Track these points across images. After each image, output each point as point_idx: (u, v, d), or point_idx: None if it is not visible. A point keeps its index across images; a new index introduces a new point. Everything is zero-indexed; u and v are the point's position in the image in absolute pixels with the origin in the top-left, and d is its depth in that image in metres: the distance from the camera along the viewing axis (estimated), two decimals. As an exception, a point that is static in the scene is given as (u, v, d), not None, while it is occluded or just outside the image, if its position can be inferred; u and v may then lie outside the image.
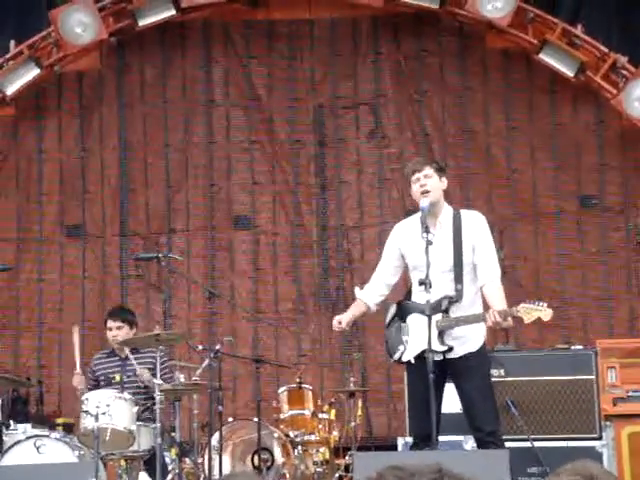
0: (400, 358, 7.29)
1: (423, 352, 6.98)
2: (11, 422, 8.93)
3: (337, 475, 9.66)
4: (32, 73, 12.05)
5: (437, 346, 6.99)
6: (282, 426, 9.84)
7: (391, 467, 1.89)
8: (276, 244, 12.47)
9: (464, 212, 7.43)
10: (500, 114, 12.34)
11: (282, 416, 10.02)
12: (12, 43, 12.05)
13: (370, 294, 7.57)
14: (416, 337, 7.13)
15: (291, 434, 9.71)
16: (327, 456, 9.85)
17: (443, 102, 12.42)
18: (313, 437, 9.86)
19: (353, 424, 10.19)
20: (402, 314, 7.34)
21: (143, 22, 12.03)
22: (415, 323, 7.18)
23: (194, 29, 12.58)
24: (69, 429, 9.35)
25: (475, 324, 7.20)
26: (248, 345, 11.79)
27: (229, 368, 10.63)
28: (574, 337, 10.94)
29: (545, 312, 6.95)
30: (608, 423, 9.54)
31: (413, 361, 7.16)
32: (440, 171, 7.37)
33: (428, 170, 7.27)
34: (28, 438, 8.38)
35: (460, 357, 7.17)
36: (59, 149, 12.63)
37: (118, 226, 12.51)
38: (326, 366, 12.05)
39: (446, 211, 7.34)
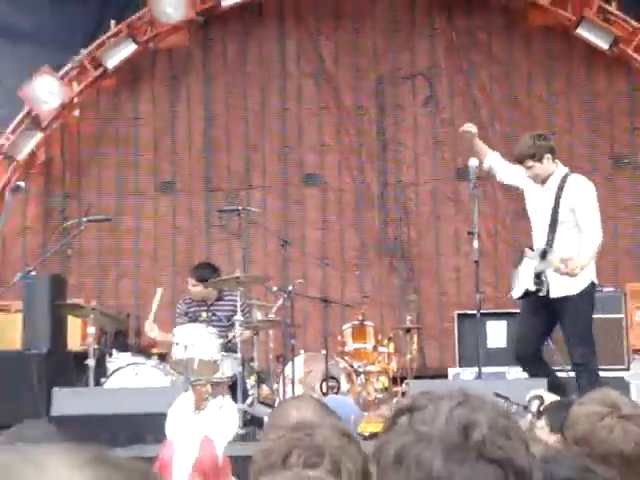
0: (512, 296, 7.76)
1: (526, 291, 7.41)
2: (114, 351, 9.18)
3: (395, 400, 9.61)
4: (129, 49, 12.25)
5: (531, 286, 7.34)
6: (347, 358, 10.01)
7: (420, 393, 1.83)
8: (342, 199, 12.54)
9: (572, 176, 7.53)
10: (541, 83, 12.36)
11: (347, 349, 10.20)
12: (112, 23, 12.23)
13: (498, 156, 8.00)
14: (522, 278, 7.45)
15: (355, 365, 9.87)
16: (386, 384, 10.00)
17: (490, 73, 12.41)
18: (374, 367, 10.01)
19: (409, 356, 10.32)
20: (520, 259, 7.63)
21: (226, 2, 12.21)
22: (523, 267, 7.48)
23: (270, 8, 12.67)
24: (163, 358, 9.33)
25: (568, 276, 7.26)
26: (317, 287, 11.79)
27: (300, 307, 10.65)
28: (606, 281, 10.61)
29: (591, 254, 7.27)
30: (636, 356, 9.91)
31: (518, 297, 7.64)
32: (538, 157, 7.39)
33: (527, 163, 7.42)
34: (128, 365, 8.74)
35: (560, 298, 7.35)
36: (153, 115, 12.78)
37: (203, 182, 12.66)
38: (385, 306, 12.05)
39: (556, 175, 7.48)
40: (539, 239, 7.48)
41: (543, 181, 7.49)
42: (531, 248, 7.60)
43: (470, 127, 8.12)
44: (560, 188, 7.39)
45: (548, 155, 7.41)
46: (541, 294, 7.34)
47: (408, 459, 1.69)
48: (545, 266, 7.28)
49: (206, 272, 9.38)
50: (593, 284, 7.46)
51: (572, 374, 7.76)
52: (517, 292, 7.55)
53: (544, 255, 7.30)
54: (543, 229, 7.46)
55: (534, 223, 7.64)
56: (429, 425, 1.71)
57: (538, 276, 7.30)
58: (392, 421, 1.79)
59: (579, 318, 7.46)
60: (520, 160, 7.51)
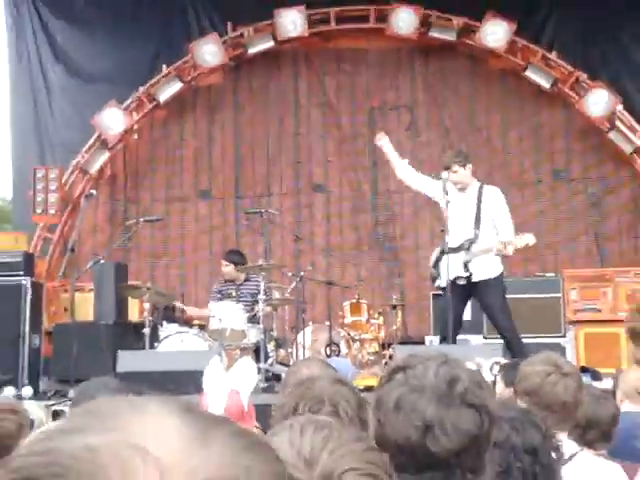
0: (439, 285, 7.45)
1: (454, 279, 7.13)
2: (164, 323, 9.16)
3: (384, 362, 9.51)
4: (177, 86, 12.36)
5: (462, 272, 7.12)
6: (346, 328, 9.94)
7: (409, 355, 1.84)
8: (342, 204, 12.51)
9: (487, 187, 7.43)
10: (498, 114, 12.31)
11: (346, 321, 10.11)
12: (164, 67, 12.35)
13: (406, 167, 7.75)
14: (446, 270, 7.18)
15: (352, 333, 9.82)
16: (377, 349, 9.93)
17: (458, 106, 12.36)
18: (367, 336, 9.92)
19: (394, 327, 10.29)
20: (441, 254, 7.38)
21: (252, 50, 12.24)
22: (444, 262, 7.23)
23: (286, 55, 12.63)
24: (202, 328, 9.15)
25: (491, 260, 7.18)
26: (322, 272, 11.57)
27: (309, 288, 10.38)
28: (548, 268, 10.92)
29: (530, 238, 7.00)
30: (570, 326, 9.82)
31: (444, 286, 7.25)
32: (463, 163, 7.31)
33: (455, 167, 7.26)
34: (175, 333, 8.71)
35: (482, 281, 7.17)
36: (194, 137, 12.80)
37: (234, 190, 12.63)
38: (376, 287, 11.93)
39: (473, 186, 7.36)
40: (463, 235, 7.26)
41: (462, 189, 7.36)
42: (442, 251, 7.42)
43: (382, 138, 7.94)
44: (479, 197, 7.29)
45: (469, 165, 7.36)
46: (464, 282, 7.19)
47: (406, 406, 1.70)
48: (471, 256, 7.16)
49: (236, 257, 9.38)
50: (502, 272, 7.38)
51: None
52: (443, 282, 7.30)
53: (469, 248, 7.18)
54: (468, 227, 7.26)
55: (456, 223, 7.33)
56: (420, 379, 1.73)
57: (465, 265, 7.15)
58: (389, 377, 1.79)
59: (498, 296, 7.32)
60: (448, 165, 7.33)
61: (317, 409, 2.31)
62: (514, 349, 6.96)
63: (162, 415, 0.67)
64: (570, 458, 2.79)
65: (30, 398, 7.27)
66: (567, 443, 2.86)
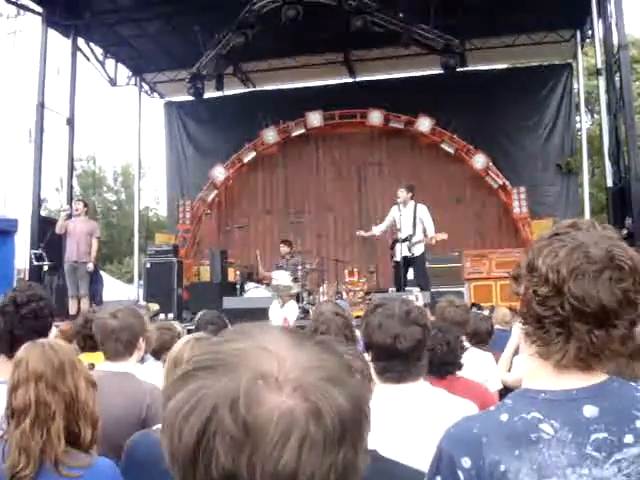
0: (395, 260, 7.29)
1: (403, 257, 7.03)
2: (247, 282, 8.84)
3: (366, 302, 7.99)
4: (253, 154, 12.30)
5: (407, 253, 7.04)
6: (345, 284, 9.56)
7: (382, 298, 1.80)
8: (344, 218, 12.22)
9: (419, 204, 7.25)
10: (428, 168, 11.82)
11: (346, 280, 9.61)
12: (246, 143, 12.22)
13: (378, 228, 7.53)
14: (398, 252, 7.13)
15: (349, 287, 9.42)
16: (362, 295, 9.05)
17: (405, 164, 11.90)
18: (357, 288, 9.47)
19: (373, 283, 10.16)
20: (394, 243, 7.27)
21: (293, 134, 12.16)
22: (399, 246, 7.15)
23: (312, 137, 12.38)
24: (268, 284, 8.31)
25: (419, 246, 7.08)
26: (332, 254, 11.17)
27: (326, 262, 10.16)
28: (454, 249, 9.98)
29: (444, 235, 6.96)
30: (466, 282, 9.39)
31: (399, 260, 7.16)
32: (409, 190, 7.22)
33: (403, 189, 7.21)
34: (254, 287, 8.38)
35: (415, 256, 7.05)
36: (262, 182, 12.58)
37: (283, 209, 12.45)
38: (362, 262, 10.82)
39: (411, 204, 7.19)
40: (406, 232, 7.09)
41: (403, 204, 7.16)
42: (395, 240, 7.23)
43: (360, 233, 7.59)
44: (414, 210, 7.15)
45: (411, 193, 7.23)
46: (411, 257, 7.10)
47: (384, 325, 1.66)
48: (412, 243, 7.02)
49: (288, 242, 9.17)
50: (424, 252, 7.25)
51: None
52: (398, 258, 7.18)
53: (410, 239, 7.05)
54: (408, 228, 7.08)
55: (402, 226, 7.04)
56: (391, 311, 1.68)
57: (409, 248, 7.03)
58: (373, 310, 1.72)
59: (422, 265, 7.24)
60: (401, 187, 7.25)
61: (325, 329, 2.31)
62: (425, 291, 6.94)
63: (277, 333, 0.64)
64: (466, 349, 2.76)
65: (174, 320, 7.26)
66: (464, 343, 2.82)
